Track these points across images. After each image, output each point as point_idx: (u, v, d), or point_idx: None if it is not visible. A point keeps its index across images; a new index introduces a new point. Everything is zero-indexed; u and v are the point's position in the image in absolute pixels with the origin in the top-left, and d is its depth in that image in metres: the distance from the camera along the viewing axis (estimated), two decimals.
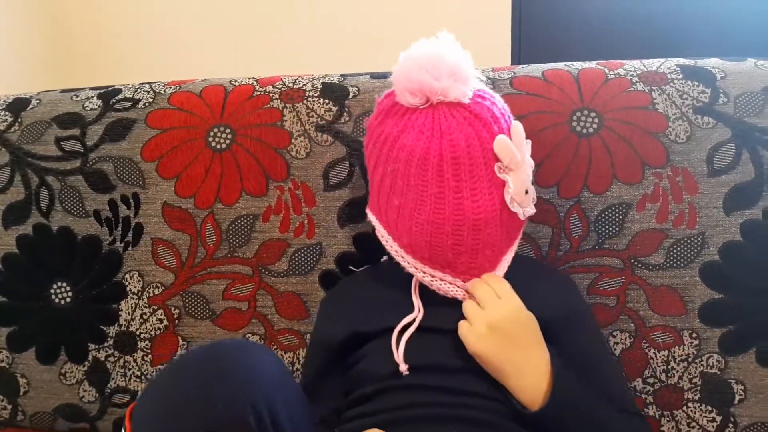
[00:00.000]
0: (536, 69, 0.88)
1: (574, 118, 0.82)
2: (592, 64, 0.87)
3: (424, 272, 0.70)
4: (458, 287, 0.69)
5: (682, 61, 0.86)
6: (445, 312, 0.69)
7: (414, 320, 0.70)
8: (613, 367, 0.76)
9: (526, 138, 0.71)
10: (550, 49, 1.65)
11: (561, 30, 1.64)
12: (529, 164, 0.71)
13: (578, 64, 0.88)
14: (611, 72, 0.85)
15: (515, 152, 0.67)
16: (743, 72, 0.83)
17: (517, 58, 1.65)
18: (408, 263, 0.71)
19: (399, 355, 0.67)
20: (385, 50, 1.59)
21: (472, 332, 0.65)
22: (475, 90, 0.68)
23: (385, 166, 0.69)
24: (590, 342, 0.73)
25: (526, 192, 0.70)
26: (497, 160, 0.66)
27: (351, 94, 0.89)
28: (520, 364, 0.64)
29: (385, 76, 0.91)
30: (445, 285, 0.69)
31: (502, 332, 0.64)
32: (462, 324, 0.66)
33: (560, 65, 0.88)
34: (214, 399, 0.41)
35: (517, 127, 0.70)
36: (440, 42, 0.68)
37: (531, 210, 0.71)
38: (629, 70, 0.85)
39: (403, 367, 0.66)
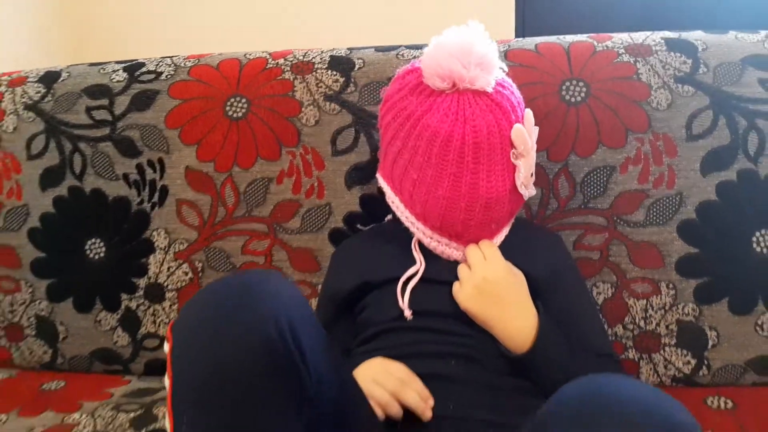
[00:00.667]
0: (530, 42, 0.94)
1: (564, 88, 0.89)
2: (583, 36, 0.93)
3: (431, 238, 0.77)
4: (458, 251, 0.77)
5: (667, 33, 0.92)
6: (443, 265, 0.77)
7: (417, 272, 0.78)
8: (596, 320, 0.83)
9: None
10: (553, 22, 1.67)
11: (565, 4, 1.67)
12: (535, 148, 0.77)
13: (570, 37, 0.94)
14: (600, 44, 0.91)
15: (528, 139, 0.73)
16: (723, 44, 0.89)
17: (521, 31, 1.68)
18: (417, 229, 0.77)
19: (404, 302, 0.75)
20: (391, 24, 1.65)
21: (461, 292, 0.73)
22: (497, 79, 0.73)
23: (405, 141, 0.75)
24: (574, 296, 0.80)
25: (532, 175, 0.76)
26: (513, 146, 0.73)
27: (357, 66, 0.96)
28: (504, 317, 0.71)
29: (388, 49, 0.98)
30: (449, 249, 0.77)
31: (487, 291, 0.72)
32: (455, 285, 0.74)
33: (552, 38, 0.94)
34: (243, 314, 0.48)
35: (530, 115, 0.76)
36: (471, 31, 0.72)
37: (533, 190, 0.78)
38: (617, 42, 0.91)
39: (407, 313, 0.74)
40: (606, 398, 0.45)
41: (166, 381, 0.51)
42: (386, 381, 0.65)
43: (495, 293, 0.72)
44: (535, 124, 0.86)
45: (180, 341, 0.50)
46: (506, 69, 0.77)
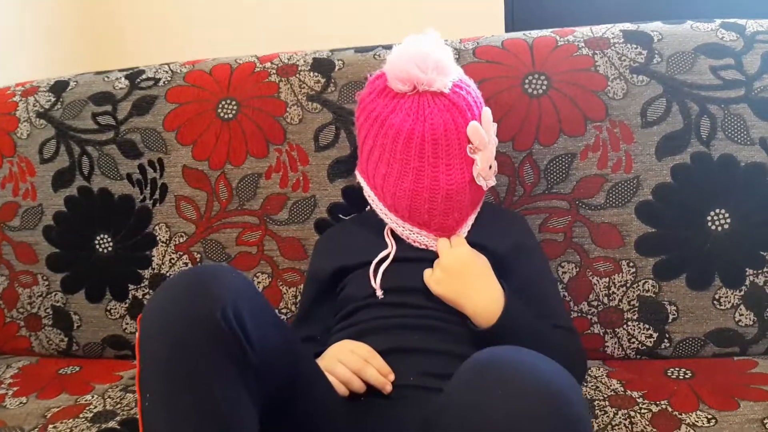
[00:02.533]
0: (497, 39, 1.00)
1: (526, 81, 0.95)
2: (547, 32, 0.99)
3: (403, 227, 0.84)
4: (427, 238, 0.84)
5: (627, 26, 0.97)
6: (413, 247, 0.85)
7: (389, 255, 0.85)
8: (555, 293, 0.89)
9: (490, 108, 0.84)
10: (542, 17, 1.71)
11: None
12: (495, 142, 0.85)
13: (534, 33, 1.00)
14: (561, 39, 0.97)
15: (484, 135, 0.80)
16: (678, 34, 0.94)
17: (511, 26, 1.73)
18: (390, 219, 0.85)
19: (376, 282, 0.82)
20: (379, 22, 1.70)
21: (432, 277, 0.80)
22: (455, 81, 0.81)
23: (375, 139, 0.83)
24: (536, 271, 0.86)
25: (490, 167, 0.83)
26: (469, 142, 0.80)
27: (337, 67, 1.03)
28: (471, 295, 0.77)
29: (367, 50, 1.05)
30: (419, 237, 0.84)
31: (452, 273, 0.79)
32: (425, 272, 0.81)
33: (519, 34, 1.00)
34: (195, 301, 0.57)
35: (487, 112, 0.83)
36: (428, 38, 0.81)
37: (492, 182, 0.85)
38: (578, 36, 0.97)
39: (379, 292, 0.82)
40: (495, 367, 0.53)
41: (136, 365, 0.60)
42: (348, 359, 0.72)
43: (460, 274, 0.78)
44: (501, 116, 0.93)
45: (145, 329, 0.59)
46: (461, 73, 0.84)
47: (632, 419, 0.81)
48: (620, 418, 0.81)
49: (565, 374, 0.53)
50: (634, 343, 0.95)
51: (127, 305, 1.10)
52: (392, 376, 0.72)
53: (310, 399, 0.67)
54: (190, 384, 0.56)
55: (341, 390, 0.72)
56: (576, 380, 0.55)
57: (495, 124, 0.84)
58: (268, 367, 0.60)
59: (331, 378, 0.71)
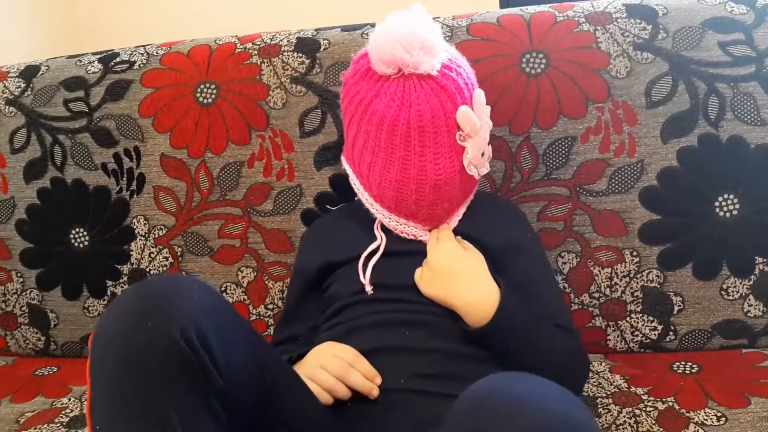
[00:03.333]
0: (492, 15, 0.94)
1: (524, 60, 0.89)
2: (545, 7, 0.93)
3: (390, 218, 0.79)
4: (415, 229, 0.78)
5: (629, 0, 0.92)
6: (403, 240, 0.79)
7: (378, 248, 0.80)
8: (555, 291, 0.83)
9: (485, 90, 0.77)
10: None
11: None
12: (488, 127, 0.78)
13: (532, 8, 0.93)
14: (561, 14, 0.91)
15: (475, 121, 0.74)
16: (684, 8, 0.89)
17: (506, 1, 1.68)
18: (376, 210, 0.80)
19: (366, 277, 0.77)
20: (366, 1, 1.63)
21: (421, 278, 0.74)
22: (444, 61, 0.74)
23: (359, 125, 0.77)
24: (533, 267, 0.81)
25: (483, 154, 0.77)
26: (459, 128, 0.73)
27: (322, 47, 0.97)
28: (461, 293, 0.72)
29: (354, 28, 0.98)
30: (408, 228, 0.79)
31: (440, 272, 0.73)
32: (416, 272, 0.75)
33: (515, 10, 0.94)
34: (152, 319, 0.51)
35: (479, 95, 0.76)
36: (414, 15, 0.73)
37: (485, 170, 0.79)
38: (578, 11, 0.91)
39: (368, 288, 0.77)
40: (498, 399, 0.47)
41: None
42: (331, 365, 0.67)
43: (449, 273, 0.73)
44: (496, 98, 0.87)
45: (96, 350, 0.52)
46: (452, 52, 0.77)
47: (638, 418, 0.76)
48: (625, 416, 0.77)
49: (570, 399, 0.48)
50: (637, 336, 0.91)
51: (105, 302, 1.05)
52: (379, 380, 0.67)
53: (288, 415, 0.62)
54: (145, 412, 0.50)
55: (324, 398, 0.66)
56: (579, 390, 0.49)
57: (488, 107, 0.78)
58: (236, 389, 0.54)
59: (312, 386, 0.66)
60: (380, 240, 0.79)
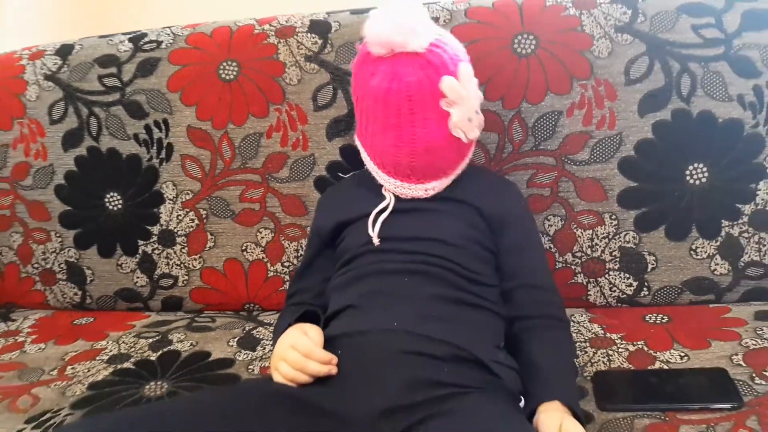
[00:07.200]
0: (488, 0, 1.03)
1: (516, 41, 0.99)
2: None
3: (388, 181, 0.88)
4: (414, 191, 0.87)
5: None
6: (405, 200, 0.89)
7: (387, 207, 0.90)
8: (542, 258, 0.92)
9: (476, 68, 0.86)
10: None
11: None
12: (476, 97, 0.87)
13: None
14: None
15: (459, 89, 0.83)
16: None
17: None
18: (380, 177, 0.90)
19: (374, 231, 0.87)
20: None
21: None
22: (432, 40, 0.84)
23: (362, 102, 0.88)
24: (524, 236, 0.90)
25: (470, 120, 0.86)
26: (444, 96, 0.83)
27: (333, 28, 1.07)
28: None
29: (362, 12, 1.08)
30: (406, 190, 0.88)
31: None
32: None
33: None
34: None
35: (465, 67, 0.85)
36: (403, 3, 0.84)
37: (474, 134, 0.88)
38: None
39: (376, 240, 0.87)
40: None
41: None
42: (289, 358, 0.73)
43: None
44: (491, 76, 0.96)
45: None
46: (441, 32, 0.87)
47: (610, 357, 0.87)
48: (599, 356, 0.88)
49: None
50: (615, 291, 1.01)
51: (137, 260, 1.16)
52: (335, 360, 0.73)
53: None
54: None
55: (295, 382, 0.73)
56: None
57: (475, 80, 0.87)
58: None
59: (277, 377, 0.74)
60: (389, 200, 0.89)
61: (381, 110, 0.84)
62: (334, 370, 0.73)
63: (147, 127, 1.12)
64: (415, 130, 0.83)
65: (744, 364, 0.81)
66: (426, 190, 0.87)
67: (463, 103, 0.84)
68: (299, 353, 0.73)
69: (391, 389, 0.68)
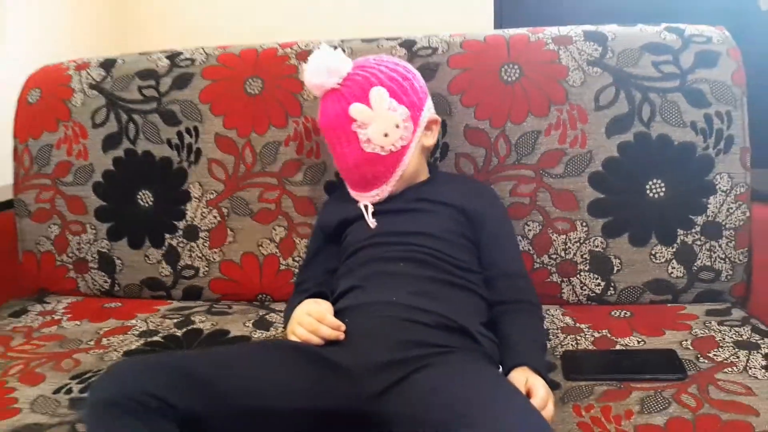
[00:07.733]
0: (480, 34, 1.20)
1: (503, 70, 1.15)
2: (522, 30, 1.19)
3: (352, 192, 1.06)
4: (363, 198, 1.04)
5: (587, 27, 1.17)
6: (401, 201, 1.04)
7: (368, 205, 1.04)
8: (516, 248, 1.08)
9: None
10: (530, 14, 1.88)
11: None
12: (387, 115, 0.99)
13: (511, 30, 1.20)
14: (533, 36, 1.17)
15: (367, 112, 0.99)
16: (629, 34, 1.14)
17: (500, 23, 1.91)
18: (348, 189, 1.08)
19: (371, 219, 1.02)
20: (385, 16, 1.89)
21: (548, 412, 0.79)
22: (344, 75, 1.00)
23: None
24: (500, 230, 1.05)
25: (386, 135, 1.01)
26: (354, 120, 0.99)
27: (346, 54, 1.22)
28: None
29: (372, 41, 1.24)
30: (362, 197, 1.04)
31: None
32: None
33: (499, 31, 1.20)
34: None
35: (375, 92, 0.99)
36: (323, 50, 1.02)
37: (399, 144, 1.00)
38: (547, 34, 1.17)
39: (372, 223, 1.01)
40: None
41: None
42: (304, 322, 0.87)
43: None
44: (481, 99, 1.12)
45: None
46: (365, 60, 1.05)
47: (578, 341, 1.01)
48: (569, 340, 1.02)
49: None
50: (585, 290, 1.15)
51: (163, 252, 1.30)
52: (343, 327, 0.86)
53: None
54: None
55: (309, 343, 0.87)
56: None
57: (388, 101, 0.99)
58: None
59: (293, 338, 0.88)
60: (379, 197, 1.04)
61: (325, 138, 1.07)
62: (342, 336, 0.86)
63: (179, 133, 1.27)
64: (343, 150, 1.03)
65: (692, 348, 0.95)
66: (373, 196, 1.04)
67: (375, 122, 1.00)
68: (313, 318, 0.87)
69: (389, 347, 0.82)
